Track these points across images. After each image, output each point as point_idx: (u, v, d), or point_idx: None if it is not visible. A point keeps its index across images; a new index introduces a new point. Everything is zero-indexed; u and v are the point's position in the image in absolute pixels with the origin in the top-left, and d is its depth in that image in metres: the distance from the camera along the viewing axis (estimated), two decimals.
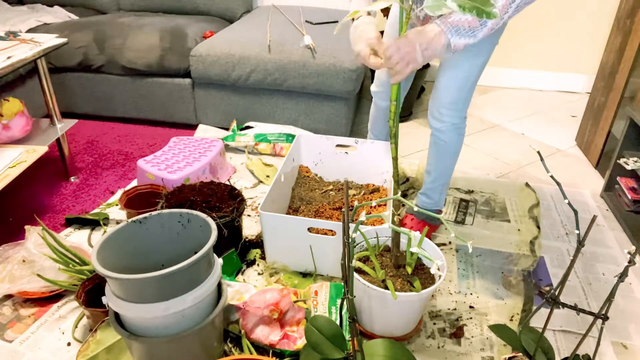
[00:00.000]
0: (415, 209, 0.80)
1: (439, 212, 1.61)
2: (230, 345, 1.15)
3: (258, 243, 1.52)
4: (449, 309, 1.30)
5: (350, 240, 0.84)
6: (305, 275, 1.40)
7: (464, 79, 1.29)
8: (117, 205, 1.71)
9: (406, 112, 2.51)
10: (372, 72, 2.43)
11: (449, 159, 1.46)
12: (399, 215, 1.17)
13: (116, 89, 2.29)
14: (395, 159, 1.13)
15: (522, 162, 2.09)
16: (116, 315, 1.00)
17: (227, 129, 2.26)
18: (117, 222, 1.63)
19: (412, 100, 2.53)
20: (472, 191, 1.85)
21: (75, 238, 1.55)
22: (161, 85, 2.24)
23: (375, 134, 1.72)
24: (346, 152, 1.73)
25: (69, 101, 2.35)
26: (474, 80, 1.31)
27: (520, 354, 1.05)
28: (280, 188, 1.54)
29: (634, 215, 1.67)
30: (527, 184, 1.89)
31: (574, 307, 0.89)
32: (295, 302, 1.20)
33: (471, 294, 1.35)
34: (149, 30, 2.20)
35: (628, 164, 1.66)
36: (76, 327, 1.22)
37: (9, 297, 1.31)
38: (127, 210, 1.51)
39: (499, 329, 1.07)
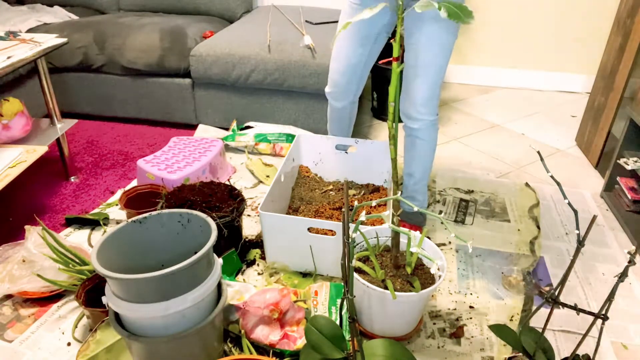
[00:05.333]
0: (416, 209, 0.80)
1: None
2: (230, 345, 1.15)
3: (258, 243, 1.52)
4: (449, 309, 1.30)
5: (350, 240, 0.85)
6: (305, 275, 1.40)
7: (435, 76, 1.35)
8: (117, 205, 1.71)
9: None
10: (372, 71, 2.43)
11: (429, 156, 1.49)
12: (398, 216, 1.17)
13: (116, 89, 2.29)
14: (394, 160, 1.13)
15: (522, 162, 2.09)
16: (116, 315, 1.00)
17: (227, 129, 2.26)
18: (117, 222, 1.63)
19: None
20: (472, 191, 1.85)
21: (75, 238, 1.55)
22: (161, 85, 2.24)
23: (335, 135, 1.73)
24: (346, 152, 1.73)
25: (69, 101, 2.35)
26: (443, 75, 1.37)
27: (520, 354, 1.05)
28: (280, 188, 1.54)
29: (634, 215, 1.67)
30: (527, 184, 1.89)
31: (574, 307, 0.89)
32: (295, 302, 1.20)
33: (471, 294, 1.35)
34: (149, 30, 2.20)
35: (628, 164, 1.66)
36: (76, 327, 1.22)
37: (9, 297, 1.31)
38: (127, 210, 1.51)
39: (499, 329, 1.07)
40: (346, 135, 1.73)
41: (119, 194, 1.79)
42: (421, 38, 1.30)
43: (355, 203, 1.05)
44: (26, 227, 1.36)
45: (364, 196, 1.69)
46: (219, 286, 1.09)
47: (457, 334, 1.22)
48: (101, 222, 1.61)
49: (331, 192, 1.70)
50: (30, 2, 2.70)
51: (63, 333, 1.21)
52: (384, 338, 1.03)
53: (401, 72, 1.42)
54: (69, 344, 1.18)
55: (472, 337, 1.21)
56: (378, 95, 2.43)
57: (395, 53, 1.02)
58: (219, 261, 1.07)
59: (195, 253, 0.94)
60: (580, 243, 0.82)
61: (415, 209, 0.81)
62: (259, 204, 1.68)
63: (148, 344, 0.96)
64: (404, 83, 1.39)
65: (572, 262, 0.84)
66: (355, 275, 1.13)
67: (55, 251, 1.26)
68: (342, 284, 1.29)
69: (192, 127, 2.33)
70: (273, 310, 1.14)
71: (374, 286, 1.09)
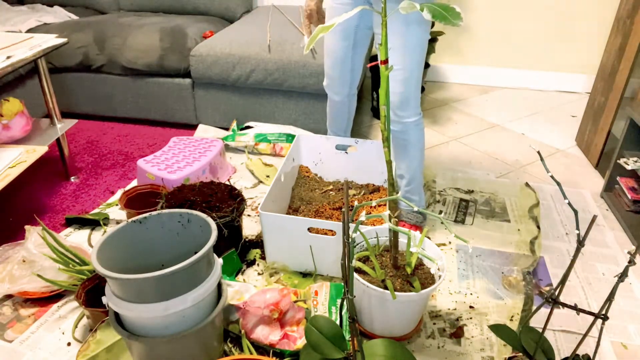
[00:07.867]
0: (416, 209, 0.80)
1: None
2: (230, 345, 1.15)
3: (258, 243, 1.52)
4: (449, 309, 1.30)
5: (350, 240, 0.85)
6: (305, 275, 1.40)
7: (406, 78, 1.31)
8: (117, 205, 1.71)
9: None
10: (372, 71, 2.43)
11: (417, 156, 1.47)
12: (396, 217, 1.16)
13: (116, 89, 2.29)
14: (389, 162, 1.12)
15: (522, 162, 2.09)
16: (116, 315, 1.00)
17: (227, 129, 2.26)
18: (117, 222, 1.63)
19: None
20: (472, 191, 1.85)
21: (75, 238, 1.55)
22: (161, 85, 2.24)
23: (334, 130, 1.73)
24: (346, 152, 1.73)
25: (69, 101, 2.35)
26: (416, 75, 1.33)
27: (520, 354, 1.05)
28: (280, 188, 1.54)
29: (634, 215, 1.67)
30: (527, 184, 1.89)
31: (574, 307, 0.89)
32: (295, 302, 1.20)
33: (471, 294, 1.35)
34: (149, 30, 2.20)
35: (628, 164, 1.66)
36: (76, 327, 1.22)
37: (9, 297, 1.31)
38: (127, 210, 1.51)
39: (499, 329, 1.07)
40: (345, 131, 1.73)
41: (119, 194, 1.79)
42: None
43: (355, 203, 1.05)
44: (26, 227, 1.36)
45: (364, 196, 1.69)
46: (219, 286, 1.09)
47: (457, 334, 1.22)
48: (101, 222, 1.61)
49: (331, 192, 1.70)
50: (30, 2, 2.70)
51: (63, 333, 1.21)
52: (384, 338, 1.03)
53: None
54: (69, 344, 1.18)
55: (472, 337, 1.21)
56: (378, 95, 2.43)
57: (382, 56, 1.01)
58: (219, 261, 1.07)
59: (195, 253, 0.94)
60: (580, 243, 0.82)
61: (415, 208, 0.81)
62: (259, 204, 1.68)
63: (148, 344, 0.96)
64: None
65: (572, 262, 0.84)
66: (355, 275, 1.13)
67: (55, 251, 1.26)
68: (342, 284, 1.29)
69: (192, 127, 2.33)
70: (273, 310, 1.14)
71: (374, 286, 1.09)
